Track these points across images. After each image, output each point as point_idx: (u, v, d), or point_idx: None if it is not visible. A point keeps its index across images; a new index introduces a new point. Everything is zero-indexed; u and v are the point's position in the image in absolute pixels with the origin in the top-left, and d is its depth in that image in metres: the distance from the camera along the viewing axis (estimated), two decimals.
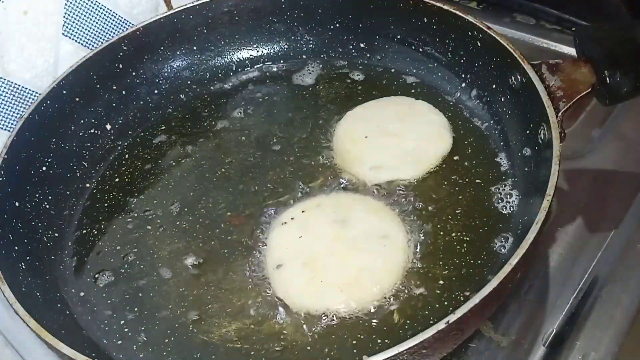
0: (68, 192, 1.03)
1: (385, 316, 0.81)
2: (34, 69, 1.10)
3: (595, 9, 1.25)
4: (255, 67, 1.24)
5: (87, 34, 1.16)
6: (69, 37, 1.14)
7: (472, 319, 0.69)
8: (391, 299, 0.82)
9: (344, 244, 0.88)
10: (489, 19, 1.05)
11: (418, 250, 0.88)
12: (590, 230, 0.97)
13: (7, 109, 1.08)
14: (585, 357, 0.82)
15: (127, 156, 1.10)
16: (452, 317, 0.66)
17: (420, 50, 1.14)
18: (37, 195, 0.98)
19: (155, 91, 1.20)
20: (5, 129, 1.08)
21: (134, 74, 1.16)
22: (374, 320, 0.81)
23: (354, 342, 0.79)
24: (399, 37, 1.16)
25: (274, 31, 1.23)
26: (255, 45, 1.25)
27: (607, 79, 0.86)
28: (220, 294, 0.87)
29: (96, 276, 0.92)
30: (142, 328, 0.85)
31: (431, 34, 1.10)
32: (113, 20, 1.20)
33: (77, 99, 1.07)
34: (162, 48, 1.18)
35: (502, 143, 1.00)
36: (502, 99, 1.00)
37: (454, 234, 0.89)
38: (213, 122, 1.14)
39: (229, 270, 0.90)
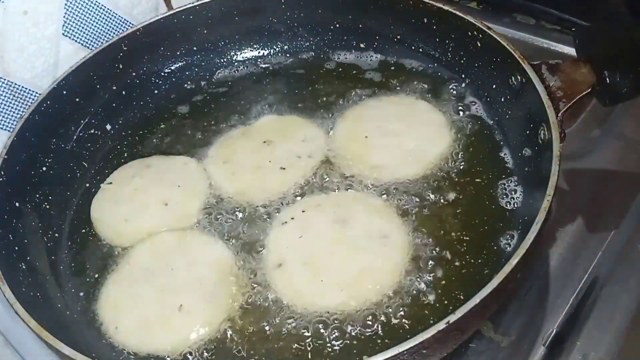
0: (68, 192, 1.04)
1: (385, 316, 0.81)
2: (34, 69, 1.10)
3: (595, 9, 1.26)
4: (255, 67, 1.24)
5: (87, 34, 1.16)
6: (69, 37, 1.14)
7: (472, 319, 0.69)
8: (391, 299, 0.82)
9: (344, 244, 0.88)
10: (489, 19, 1.05)
11: (418, 250, 0.88)
12: (590, 230, 0.97)
13: (7, 109, 1.08)
14: (585, 357, 0.82)
15: (126, 156, 1.10)
16: (452, 317, 0.66)
17: (420, 50, 1.14)
18: (37, 195, 0.98)
19: (155, 91, 1.20)
20: (5, 129, 1.08)
21: (134, 74, 1.17)
22: (374, 320, 0.81)
23: (354, 342, 0.79)
24: (399, 37, 1.16)
25: (274, 31, 1.23)
26: (255, 45, 1.25)
27: (607, 79, 0.86)
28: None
29: (96, 276, 0.92)
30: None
31: (431, 34, 1.10)
32: (113, 20, 1.20)
33: (77, 99, 1.07)
34: (162, 48, 1.18)
35: (502, 142, 1.00)
36: (502, 99, 1.00)
37: (454, 234, 0.89)
38: (213, 122, 1.14)
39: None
